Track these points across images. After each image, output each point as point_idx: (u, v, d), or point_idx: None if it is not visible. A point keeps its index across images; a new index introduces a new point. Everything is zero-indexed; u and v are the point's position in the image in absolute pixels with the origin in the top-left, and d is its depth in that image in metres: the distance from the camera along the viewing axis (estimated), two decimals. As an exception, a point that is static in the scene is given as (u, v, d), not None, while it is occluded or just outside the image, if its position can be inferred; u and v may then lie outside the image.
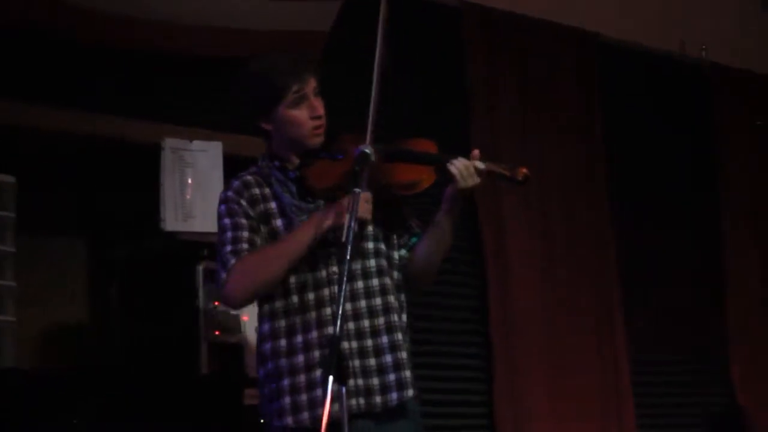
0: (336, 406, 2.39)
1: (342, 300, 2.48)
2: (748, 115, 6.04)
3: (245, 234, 2.87)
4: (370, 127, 2.75)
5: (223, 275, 2.86)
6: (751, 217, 5.96)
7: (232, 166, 3.97)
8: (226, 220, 2.90)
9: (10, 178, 3.74)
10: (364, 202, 2.71)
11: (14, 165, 3.76)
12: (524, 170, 2.78)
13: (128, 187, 4.10)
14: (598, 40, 5.54)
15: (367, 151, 2.70)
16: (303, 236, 2.80)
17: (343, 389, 2.41)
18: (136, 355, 4.01)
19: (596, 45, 5.53)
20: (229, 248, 2.86)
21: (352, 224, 2.56)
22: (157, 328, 3.94)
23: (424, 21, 5.07)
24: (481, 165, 2.80)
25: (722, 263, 5.82)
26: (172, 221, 3.94)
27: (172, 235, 3.93)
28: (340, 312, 2.46)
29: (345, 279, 2.49)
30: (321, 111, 2.91)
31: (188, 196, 3.97)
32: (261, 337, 2.91)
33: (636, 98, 5.77)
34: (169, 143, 4.00)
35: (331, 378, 2.36)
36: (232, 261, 2.83)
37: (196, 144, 4.03)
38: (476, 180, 2.80)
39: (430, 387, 4.53)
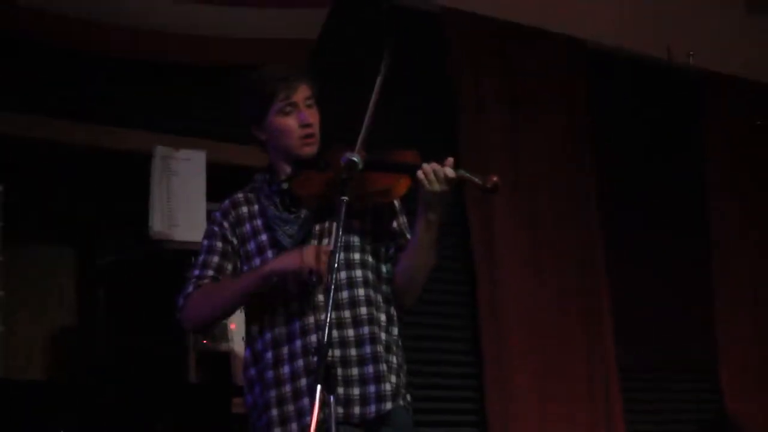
0: (323, 415, 2.39)
1: (330, 308, 2.48)
2: (735, 119, 6.05)
3: (215, 260, 2.93)
4: (361, 138, 2.76)
5: (181, 300, 2.93)
6: (741, 220, 5.96)
7: (220, 175, 3.98)
8: (204, 241, 2.98)
9: (-3, 186, 3.74)
10: (322, 254, 2.73)
11: (2, 173, 3.75)
12: (494, 179, 2.77)
13: (116, 194, 4.10)
14: (586, 47, 5.54)
15: (355, 159, 2.71)
16: (258, 274, 2.83)
17: (332, 398, 2.42)
18: (124, 363, 4.00)
19: (585, 52, 5.54)
20: (195, 272, 2.94)
21: (340, 234, 2.57)
22: (146, 335, 3.93)
23: (407, 29, 4.98)
24: (450, 172, 2.79)
25: (711, 269, 5.82)
26: (159, 229, 3.94)
27: (160, 243, 3.93)
28: (328, 320, 2.47)
29: (332, 287, 2.52)
30: (311, 120, 2.90)
31: (172, 205, 3.97)
32: (245, 362, 2.95)
33: (624, 104, 5.76)
34: (160, 151, 4.01)
35: (319, 387, 2.36)
36: (190, 289, 2.91)
37: (182, 153, 4.03)
38: (444, 186, 2.78)
39: (419, 383, 4.53)
